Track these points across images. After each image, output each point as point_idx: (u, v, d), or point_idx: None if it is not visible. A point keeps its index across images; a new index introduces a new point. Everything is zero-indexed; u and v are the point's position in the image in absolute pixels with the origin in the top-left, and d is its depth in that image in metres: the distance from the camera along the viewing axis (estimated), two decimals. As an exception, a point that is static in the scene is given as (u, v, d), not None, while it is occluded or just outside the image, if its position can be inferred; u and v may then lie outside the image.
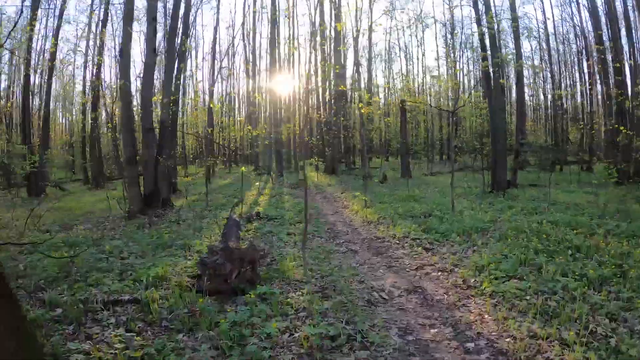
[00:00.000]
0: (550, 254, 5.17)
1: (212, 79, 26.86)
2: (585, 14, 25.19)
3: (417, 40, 59.32)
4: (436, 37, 39.89)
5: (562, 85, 31.40)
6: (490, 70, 10.93)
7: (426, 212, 8.58)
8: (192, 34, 27.49)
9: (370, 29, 31.98)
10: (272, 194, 13.85)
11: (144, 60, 12.79)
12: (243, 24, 30.89)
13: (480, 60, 12.58)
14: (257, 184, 18.07)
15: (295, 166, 27.25)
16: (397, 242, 6.39)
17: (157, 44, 14.87)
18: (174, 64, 12.15)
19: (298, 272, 4.68)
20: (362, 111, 14.88)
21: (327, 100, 30.28)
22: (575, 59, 31.45)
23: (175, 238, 7.16)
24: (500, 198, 11.11)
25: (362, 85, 37.06)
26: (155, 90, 17.30)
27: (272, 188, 16.30)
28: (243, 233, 7.40)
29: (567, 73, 33.08)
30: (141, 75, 13.51)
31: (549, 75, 32.18)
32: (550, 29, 30.32)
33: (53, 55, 19.13)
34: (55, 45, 19.15)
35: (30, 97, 20.71)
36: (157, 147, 11.05)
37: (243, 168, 14.39)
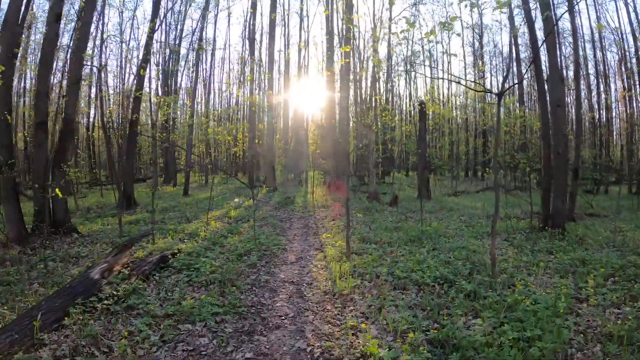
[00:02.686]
0: None
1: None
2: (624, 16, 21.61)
3: (443, 48, 55.28)
4: (463, 44, 35.62)
5: (596, 96, 27.26)
6: (541, 40, 6.88)
7: (444, 278, 4.79)
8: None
9: (390, 27, 28.46)
10: (237, 218, 10.30)
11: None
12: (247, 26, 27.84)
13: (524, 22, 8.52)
14: (236, 200, 14.64)
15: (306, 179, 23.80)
16: (366, 386, 2.67)
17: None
18: (88, 27, 8.81)
19: None
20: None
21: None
22: (611, 70, 27.34)
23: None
24: (560, 242, 7.23)
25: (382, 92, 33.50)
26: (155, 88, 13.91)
27: (249, 207, 12.78)
28: (71, 318, 3.82)
29: (604, 83, 28.84)
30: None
31: (583, 84, 28.20)
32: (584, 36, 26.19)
33: None
34: None
35: None
36: (57, 149, 7.78)
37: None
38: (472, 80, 34.29)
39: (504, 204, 13.70)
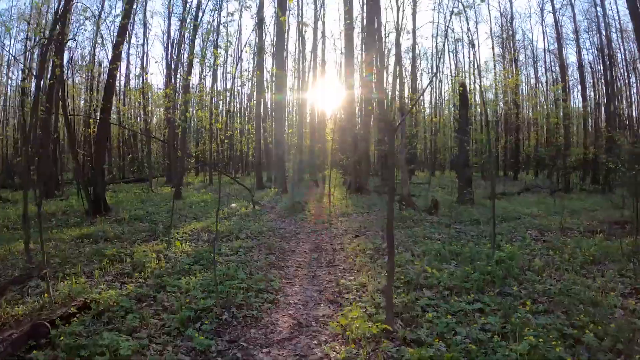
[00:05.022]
0: None
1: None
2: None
3: (470, 38, 51.16)
4: (491, 33, 31.93)
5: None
6: None
7: None
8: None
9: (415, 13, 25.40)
10: (222, 234, 7.54)
11: None
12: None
13: None
14: (233, 205, 11.90)
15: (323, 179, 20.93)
16: None
17: None
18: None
19: None
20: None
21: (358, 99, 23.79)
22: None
23: None
24: None
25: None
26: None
27: (244, 216, 10.06)
28: None
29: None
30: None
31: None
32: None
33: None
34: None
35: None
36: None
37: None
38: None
39: (558, 209, 10.53)
